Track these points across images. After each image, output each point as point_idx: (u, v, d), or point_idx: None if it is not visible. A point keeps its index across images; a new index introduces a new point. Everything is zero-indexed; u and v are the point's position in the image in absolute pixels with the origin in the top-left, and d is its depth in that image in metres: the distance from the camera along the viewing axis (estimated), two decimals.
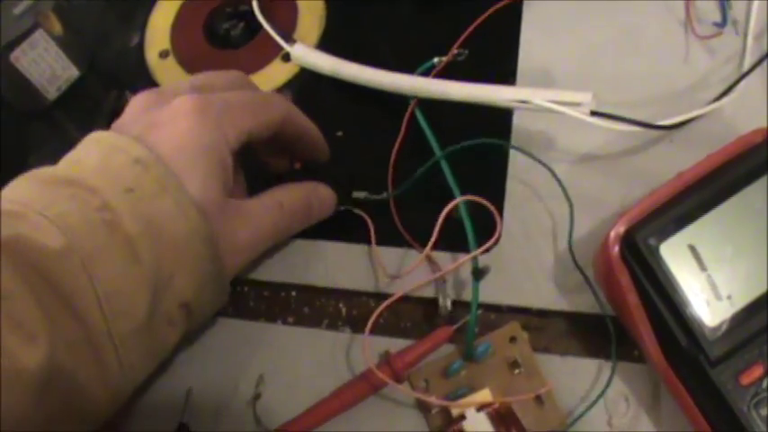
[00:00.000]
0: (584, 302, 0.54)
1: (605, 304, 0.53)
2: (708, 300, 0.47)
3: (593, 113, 0.54)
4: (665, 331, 0.48)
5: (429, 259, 0.57)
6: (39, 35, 0.65)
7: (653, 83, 0.60)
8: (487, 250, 0.56)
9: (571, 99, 0.54)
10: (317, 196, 0.58)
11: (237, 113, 0.53)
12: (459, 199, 0.55)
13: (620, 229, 0.49)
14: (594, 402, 0.51)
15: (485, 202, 0.54)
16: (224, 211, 0.51)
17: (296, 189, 0.57)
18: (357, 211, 0.60)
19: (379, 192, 0.59)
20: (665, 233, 0.48)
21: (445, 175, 0.57)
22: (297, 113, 0.57)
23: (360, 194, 0.60)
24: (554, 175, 0.55)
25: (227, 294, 0.54)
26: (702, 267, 0.48)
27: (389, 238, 0.58)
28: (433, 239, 0.55)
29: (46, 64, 0.67)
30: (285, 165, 0.62)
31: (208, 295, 0.52)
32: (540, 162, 0.56)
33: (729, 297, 0.47)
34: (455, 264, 0.57)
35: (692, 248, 0.48)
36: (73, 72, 0.70)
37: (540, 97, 0.55)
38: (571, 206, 0.55)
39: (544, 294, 0.55)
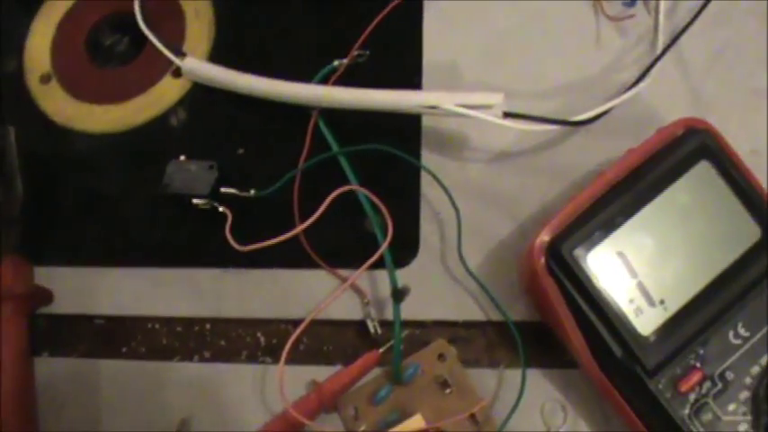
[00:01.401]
0: (513, 311, 0.52)
1: (507, 311, 0.52)
2: (640, 307, 0.46)
3: (506, 115, 0.51)
4: (599, 342, 0.46)
5: (353, 287, 0.54)
6: None
7: (565, 70, 0.58)
8: (405, 264, 0.54)
9: (482, 102, 0.52)
10: None
11: None
12: (354, 185, 0.54)
13: (545, 238, 0.47)
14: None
15: (367, 192, 0.53)
16: None
17: None
18: (220, 207, 0.56)
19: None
20: (592, 242, 0.46)
21: (355, 193, 0.54)
22: None
23: (228, 190, 0.56)
24: (437, 179, 0.54)
25: None
26: (633, 274, 0.46)
27: (298, 259, 0.55)
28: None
29: None
30: None
31: None
32: (426, 170, 0.54)
33: (662, 302, 0.46)
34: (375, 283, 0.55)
35: (621, 255, 0.47)
36: None
37: (449, 102, 0.52)
38: (457, 212, 0.53)
39: (469, 305, 0.53)
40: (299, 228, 0.53)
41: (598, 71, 0.58)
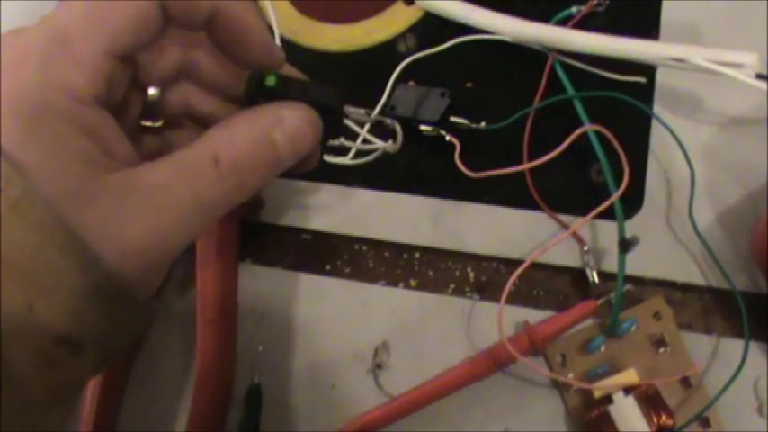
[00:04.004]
0: (735, 278, 0.50)
1: (733, 278, 0.49)
2: None
3: (759, 76, 0.49)
4: None
5: (574, 234, 0.53)
6: None
7: None
8: (628, 218, 0.52)
9: (733, 59, 0.50)
10: (284, 129, 0.41)
11: (80, 27, 0.37)
12: (587, 126, 0.51)
13: None
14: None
15: (607, 133, 0.51)
16: (94, 197, 0.36)
17: (243, 124, 0.40)
18: (448, 136, 0.55)
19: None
20: None
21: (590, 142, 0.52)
22: None
23: (458, 120, 0.55)
24: (674, 135, 0.51)
25: (144, 311, 0.40)
26: None
27: (517, 199, 0.55)
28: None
29: None
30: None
31: (101, 319, 0.37)
32: (663, 124, 0.51)
33: None
34: (595, 232, 0.53)
35: None
36: None
37: (699, 56, 0.50)
38: (692, 171, 0.51)
39: (689, 268, 0.52)
40: (533, 163, 0.52)
41: None
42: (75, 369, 0.38)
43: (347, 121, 0.50)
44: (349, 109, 0.47)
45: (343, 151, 0.57)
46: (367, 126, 0.53)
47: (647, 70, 0.55)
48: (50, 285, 0.35)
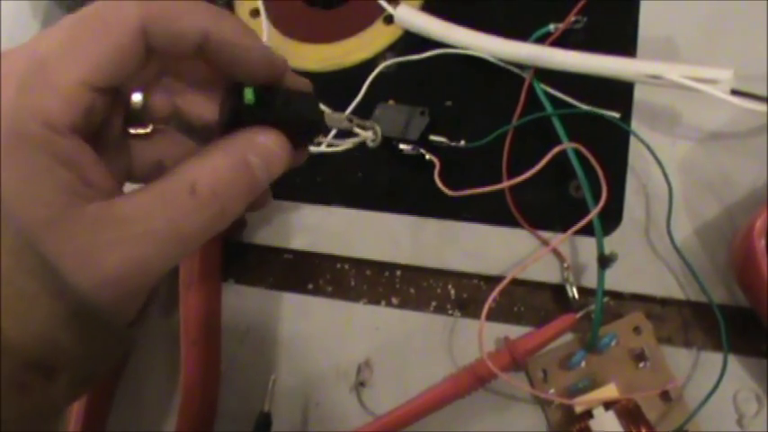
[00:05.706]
0: (714, 292, 0.50)
1: (711, 292, 0.50)
2: None
3: (734, 92, 0.50)
4: None
5: (554, 250, 0.54)
6: None
7: None
8: (606, 234, 0.53)
9: (708, 76, 0.50)
10: (259, 152, 0.41)
11: (58, 54, 0.37)
12: (566, 144, 0.52)
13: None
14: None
15: (585, 150, 0.51)
16: (69, 226, 0.36)
17: (219, 151, 0.40)
18: (428, 154, 0.55)
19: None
20: None
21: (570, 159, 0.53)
22: (188, 9, 0.39)
23: (438, 138, 0.56)
24: (652, 152, 0.52)
25: (121, 337, 0.39)
26: None
27: (497, 216, 0.55)
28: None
29: None
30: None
31: (75, 344, 0.37)
32: (642, 141, 0.52)
33: None
34: (574, 248, 0.54)
35: None
36: None
37: (675, 73, 0.51)
38: (670, 187, 0.51)
39: (668, 282, 0.52)
40: (512, 181, 0.52)
41: None
42: (48, 395, 0.37)
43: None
44: (331, 116, 0.47)
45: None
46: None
47: (627, 88, 0.56)
48: (21, 309, 0.35)
